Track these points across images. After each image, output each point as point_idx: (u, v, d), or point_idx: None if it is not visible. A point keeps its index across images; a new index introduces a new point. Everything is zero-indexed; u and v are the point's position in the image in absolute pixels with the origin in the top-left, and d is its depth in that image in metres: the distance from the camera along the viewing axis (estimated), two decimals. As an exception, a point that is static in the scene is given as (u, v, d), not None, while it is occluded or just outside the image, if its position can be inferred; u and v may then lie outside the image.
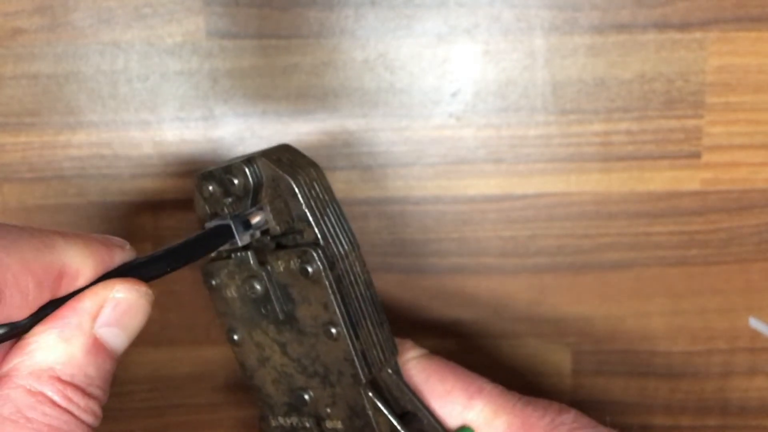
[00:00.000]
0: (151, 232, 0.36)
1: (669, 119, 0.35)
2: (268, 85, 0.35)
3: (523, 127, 0.35)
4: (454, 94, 0.35)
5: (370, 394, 0.26)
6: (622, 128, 0.35)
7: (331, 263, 0.25)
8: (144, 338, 0.37)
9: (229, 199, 0.26)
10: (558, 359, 0.38)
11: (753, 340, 0.38)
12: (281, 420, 0.28)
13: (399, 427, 0.26)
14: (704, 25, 0.34)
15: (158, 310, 0.37)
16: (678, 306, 0.37)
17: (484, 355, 0.38)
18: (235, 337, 0.28)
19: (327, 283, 0.25)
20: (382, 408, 0.26)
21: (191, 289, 0.37)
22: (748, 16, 0.34)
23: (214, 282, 0.27)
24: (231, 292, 0.27)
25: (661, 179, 0.36)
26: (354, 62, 0.34)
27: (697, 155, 0.36)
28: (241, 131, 0.35)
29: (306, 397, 0.27)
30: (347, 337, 0.25)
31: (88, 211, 0.36)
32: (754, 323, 0.37)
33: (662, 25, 0.34)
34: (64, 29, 0.34)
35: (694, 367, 0.38)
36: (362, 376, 0.26)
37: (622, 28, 0.34)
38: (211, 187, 0.26)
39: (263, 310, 0.27)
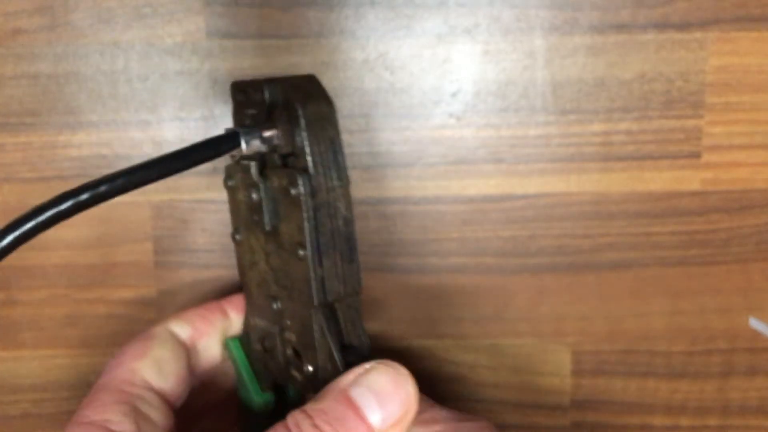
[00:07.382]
0: (151, 232, 0.36)
1: (669, 119, 0.35)
2: (268, 85, 0.35)
3: (523, 127, 0.35)
4: (454, 94, 0.35)
5: (319, 317, 0.28)
6: (622, 128, 0.35)
7: (314, 192, 0.27)
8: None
9: (251, 111, 0.29)
10: (558, 359, 0.38)
11: (753, 340, 0.38)
12: (257, 320, 0.31)
13: (334, 352, 0.28)
14: (704, 25, 0.34)
15: (158, 310, 0.37)
16: (678, 306, 0.37)
17: (484, 355, 0.38)
18: (237, 236, 0.31)
19: (305, 207, 0.27)
20: (326, 333, 0.28)
21: (189, 290, 0.37)
22: (748, 16, 0.34)
23: (230, 183, 0.30)
24: (240, 195, 0.30)
25: (661, 179, 0.36)
26: (354, 62, 0.34)
27: (697, 155, 0.36)
28: (241, 131, 0.35)
29: (275, 306, 0.30)
30: (311, 261, 0.27)
31: (89, 211, 0.36)
32: (754, 323, 0.37)
33: (662, 25, 0.34)
34: (64, 29, 0.34)
35: (694, 367, 0.38)
36: (315, 300, 0.28)
37: (622, 28, 0.34)
38: (238, 97, 0.29)
39: (257, 218, 0.29)
